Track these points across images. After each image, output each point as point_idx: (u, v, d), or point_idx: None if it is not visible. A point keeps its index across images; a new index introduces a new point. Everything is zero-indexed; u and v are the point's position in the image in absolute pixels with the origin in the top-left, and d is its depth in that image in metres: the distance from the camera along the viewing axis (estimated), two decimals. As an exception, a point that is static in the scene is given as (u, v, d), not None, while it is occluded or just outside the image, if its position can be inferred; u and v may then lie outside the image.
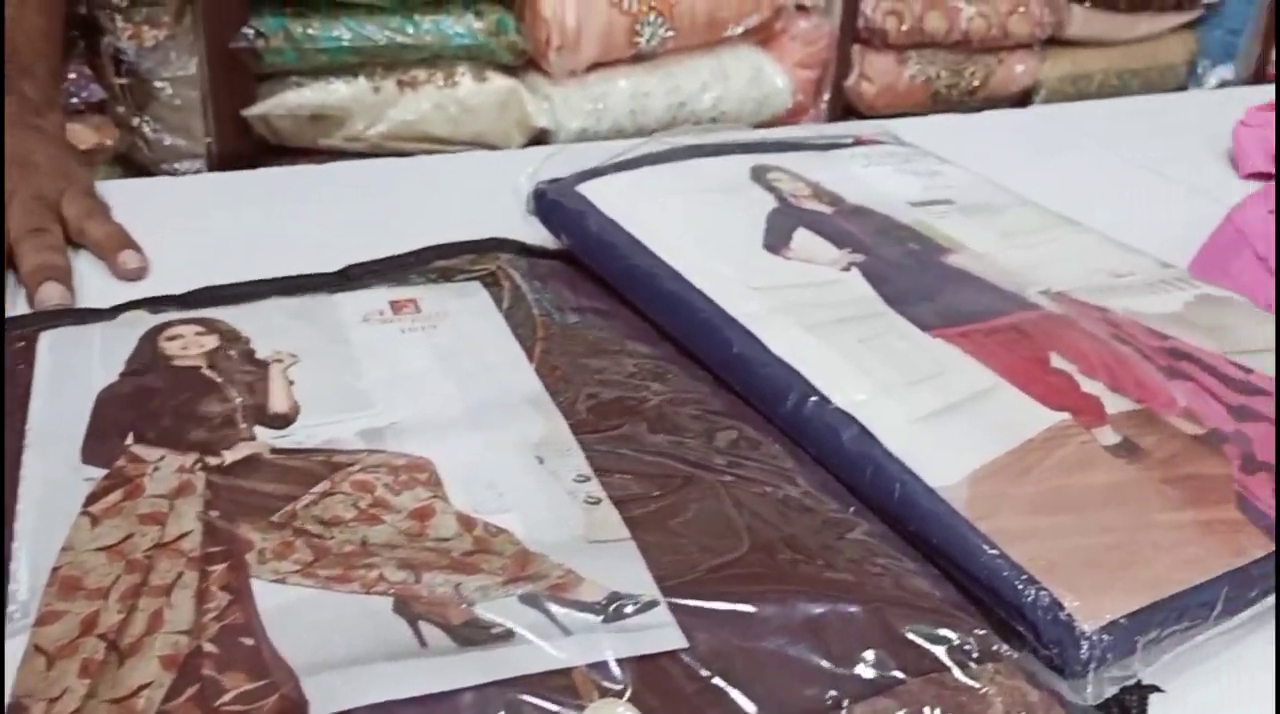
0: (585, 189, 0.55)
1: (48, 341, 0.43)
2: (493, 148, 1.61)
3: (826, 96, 1.88)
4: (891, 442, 0.38)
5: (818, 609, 0.31)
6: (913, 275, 0.50)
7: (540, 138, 1.63)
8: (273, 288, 0.48)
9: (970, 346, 0.44)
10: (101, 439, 0.37)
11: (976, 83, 1.91)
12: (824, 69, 1.86)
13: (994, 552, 0.34)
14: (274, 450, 0.36)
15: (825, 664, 0.29)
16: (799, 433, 0.41)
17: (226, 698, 0.26)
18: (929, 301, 0.47)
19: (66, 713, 0.27)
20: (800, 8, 1.79)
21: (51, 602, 0.30)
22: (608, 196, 0.54)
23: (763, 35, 1.77)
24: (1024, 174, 0.70)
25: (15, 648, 0.29)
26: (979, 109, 1.94)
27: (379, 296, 0.47)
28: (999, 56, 1.91)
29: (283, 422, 0.38)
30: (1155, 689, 0.33)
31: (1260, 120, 0.81)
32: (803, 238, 0.52)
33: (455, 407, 0.39)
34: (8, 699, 0.27)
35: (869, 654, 0.29)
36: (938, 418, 0.40)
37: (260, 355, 0.42)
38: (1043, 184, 0.69)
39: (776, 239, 0.52)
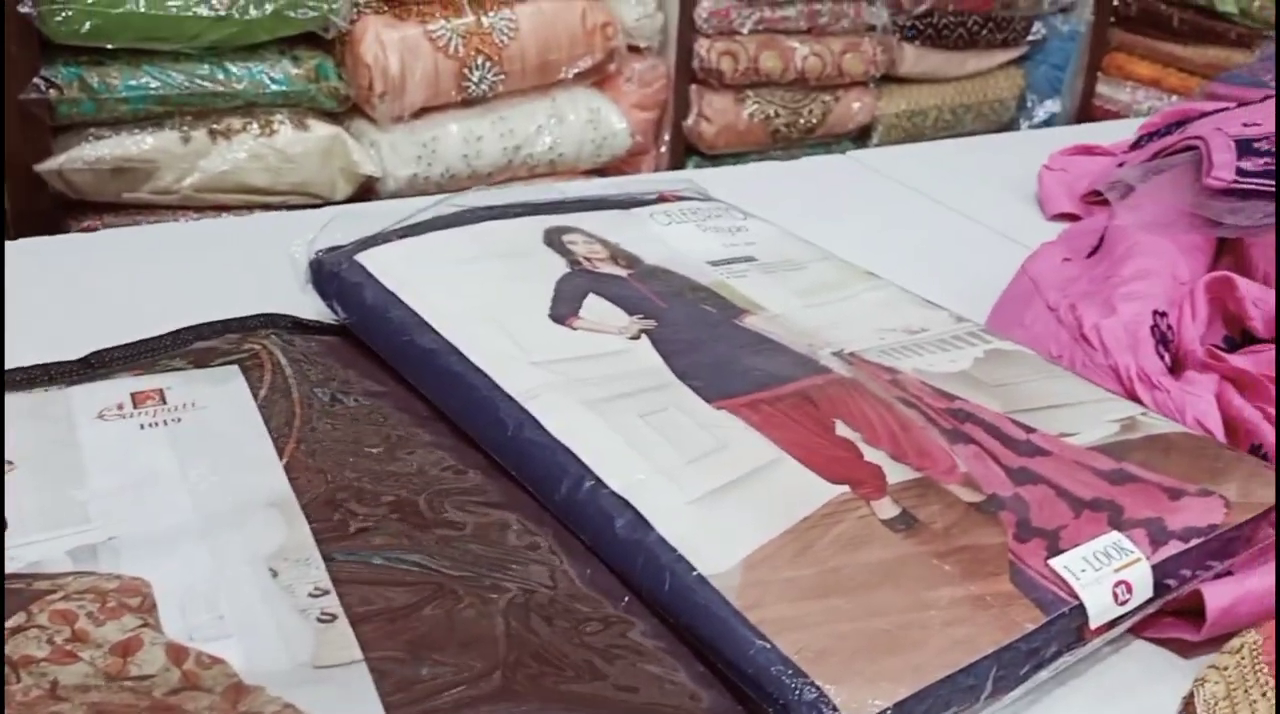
0: (364, 258, 0.53)
1: None
2: (317, 197, 1.57)
3: (667, 137, 1.91)
4: (665, 527, 0.37)
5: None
6: (705, 341, 0.49)
7: (368, 186, 1.60)
8: (4, 382, 0.44)
9: (755, 418, 0.44)
10: None
11: (814, 120, 1.96)
12: (662, 110, 1.89)
13: (763, 644, 0.33)
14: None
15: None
16: (573, 521, 0.39)
17: None
18: (719, 369, 0.47)
19: None
20: (634, 49, 1.81)
21: None
22: (387, 266, 0.52)
23: (598, 78, 1.78)
24: (846, 221, 0.71)
25: None
26: (817, 146, 2.00)
27: (120, 387, 0.44)
28: (835, 94, 1.97)
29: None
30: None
31: (1062, 163, 0.85)
32: (592, 304, 0.51)
33: (186, 515, 0.36)
34: None
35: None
36: (715, 497, 0.39)
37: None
38: (863, 232, 0.70)
39: (564, 308, 0.51)
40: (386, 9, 1.52)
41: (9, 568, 0.34)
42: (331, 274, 0.52)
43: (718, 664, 0.34)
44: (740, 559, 0.36)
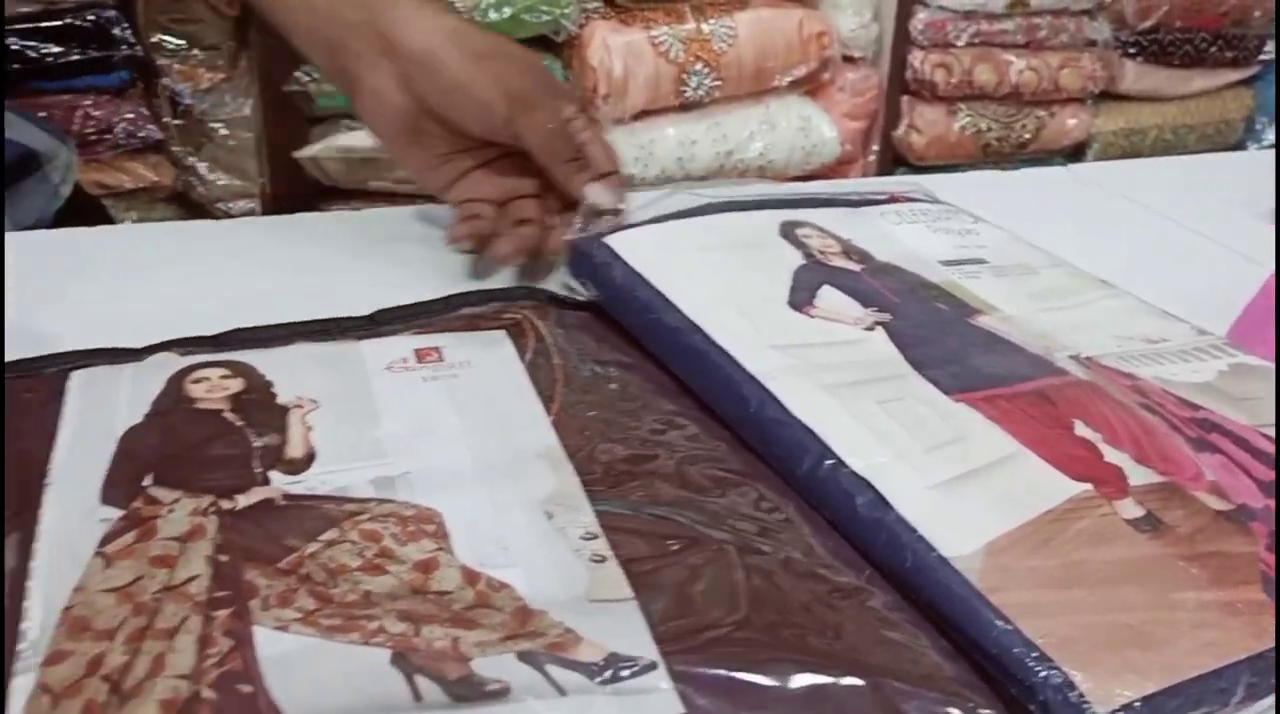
0: (613, 241, 0.55)
1: (79, 381, 0.44)
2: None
3: (875, 147, 1.89)
4: (906, 508, 0.38)
5: (820, 681, 0.30)
6: (939, 337, 0.50)
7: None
8: (301, 332, 0.49)
9: (993, 412, 0.44)
10: (120, 480, 0.38)
11: (1028, 135, 1.90)
12: (872, 120, 1.87)
13: (1006, 626, 0.33)
14: (286, 496, 0.37)
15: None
16: (814, 496, 0.41)
17: (220, 747, 0.27)
18: (954, 364, 0.47)
19: (65, 753, 0.27)
20: (848, 59, 1.81)
21: (60, 642, 0.31)
22: (635, 249, 0.54)
23: (811, 86, 1.78)
24: (1066, 233, 0.69)
25: (25, 684, 0.29)
26: (1030, 161, 1.94)
27: (404, 344, 0.48)
28: (1050, 110, 1.91)
29: (298, 467, 0.39)
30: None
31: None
32: (828, 295, 0.52)
33: (467, 460, 0.40)
34: (10, 737, 0.28)
35: (868, 728, 0.29)
36: (955, 485, 0.39)
37: (281, 400, 0.43)
38: (1084, 244, 0.69)
39: (801, 296, 0.52)
40: (613, 14, 1.57)
41: (321, 489, 0.37)
42: (584, 254, 0.55)
43: (960, 642, 0.35)
44: (982, 545, 0.36)
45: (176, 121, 1.45)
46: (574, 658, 0.30)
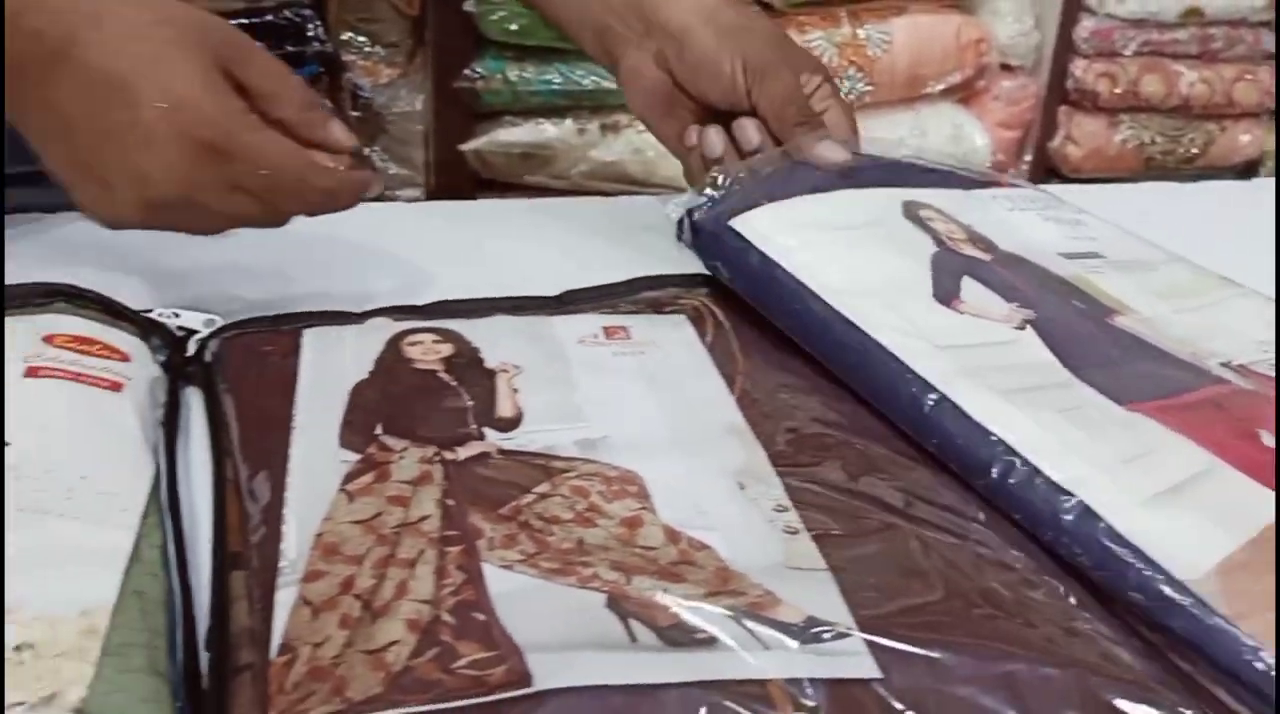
0: (739, 224, 0.54)
1: (310, 338, 0.48)
2: (682, 192, 1.66)
3: (1028, 157, 1.86)
4: (1120, 523, 0.38)
5: (1013, 665, 0.32)
6: (1085, 338, 0.49)
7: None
8: (499, 306, 0.53)
9: (1174, 423, 0.44)
10: (355, 427, 0.42)
11: (1195, 150, 1.84)
12: (1027, 129, 1.84)
13: (1267, 655, 0.33)
14: (500, 451, 0.40)
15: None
16: (1005, 502, 0.40)
17: (461, 663, 0.30)
18: (1111, 371, 0.47)
19: (327, 657, 0.31)
20: (1005, 67, 1.78)
21: (315, 563, 0.35)
22: (764, 233, 0.53)
23: (964, 93, 1.76)
24: (1237, 249, 0.68)
25: (287, 597, 0.33)
26: (1196, 176, 1.87)
27: (593, 322, 0.51)
28: (1221, 124, 1.84)
29: (508, 425, 0.42)
30: None
31: None
32: (972, 289, 0.52)
33: (661, 429, 0.43)
34: (276, 641, 0.32)
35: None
36: (1165, 501, 0.39)
37: (489, 365, 0.46)
38: (1256, 263, 0.67)
39: (946, 288, 0.51)
40: (769, 18, 1.58)
41: (530, 447, 0.41)
42: (712, 236, 0.54)
43: (1201, 665, 0.34)
44: (1213, 565, 0.36)
45: (355, 113, 1.53)
46: (774, 617, 0.32)
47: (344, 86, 1.51)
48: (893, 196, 0.59)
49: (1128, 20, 1.78)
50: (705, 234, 0.55)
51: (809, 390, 0.47)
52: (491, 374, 0.46)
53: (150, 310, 0.51)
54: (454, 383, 0.45)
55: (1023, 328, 0.49)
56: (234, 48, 0.48)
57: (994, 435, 0.41)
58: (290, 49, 1.43)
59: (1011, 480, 0.40)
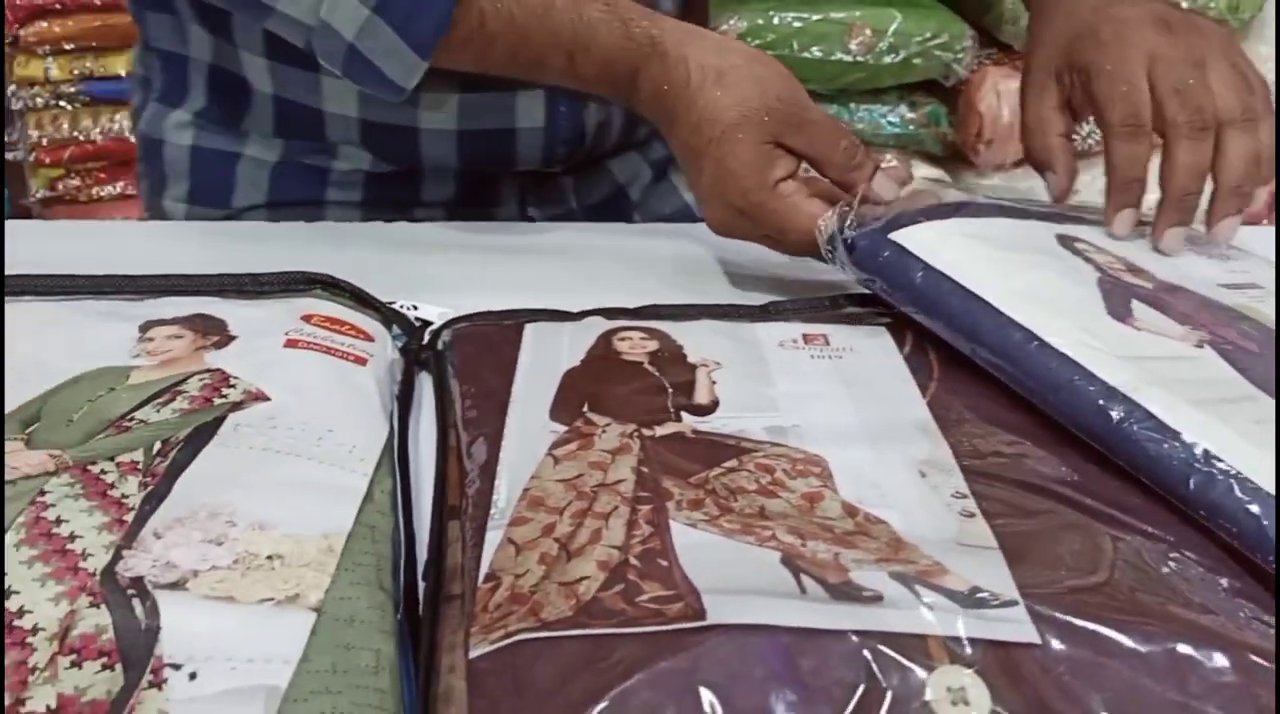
0: (901, 238, 0.53)
1: (531, 331, 0.53)
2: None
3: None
4: None
5: (1177, 645, 0.32)
6: (1264, 358, 0.48)
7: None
8: (704, 311, 0.56)
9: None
10: (565, 405, 0.46)
11: None
12: None
13: None
14: (694, 431, 0.44)
15: (1183, 700, 0.31)
16: (1207, 511, 0.40)
17: (644, 598, 0.33)
18: None
19: (526, 586, 0.35)
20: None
21: (522, 511, 0.39)
22: (928, 246, 0.53)
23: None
24: None
25: (495, 538, 0.38)
26: None
27: (794, 329, 0.54)
28: None
29: (704, 411, 0.45)
30: None
31: None
32: (1143, 311, 0.51)
33: (851, 421, 0.45)
34: (483, 571, 0.36)
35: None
36: None
37: (690, 360, 0.50)
38: None
39: (1120, 309, 0.51)
40: (1006, 61, 1.57)
41: (723, 430, 0.44)
42: (870, 250, 0.53)
43: None
44: None
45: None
46: (941, 584, 0.34)
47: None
48: (1046, 228, 0.59)
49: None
50: (862, 249, 0.54)
51: (999, 404, 0.48)
52: (692, 367, 0.49)
53: (394, 302, 0.57)
54: (656, 374, 0.49)
55: (1200, 347, 0.48)
56: (789, 123, 0.59)
57: (1191, 441, 0.41)
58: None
59: (1214, 491, 0.40)
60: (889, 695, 0.30)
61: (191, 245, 0.71)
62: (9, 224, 0.68)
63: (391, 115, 0.73)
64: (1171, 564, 0.36)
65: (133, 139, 1.51)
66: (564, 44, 0.62)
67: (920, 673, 0.30)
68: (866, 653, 0.31)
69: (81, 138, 1.51)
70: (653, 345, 0.51)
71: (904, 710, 0.30)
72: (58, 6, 1.45)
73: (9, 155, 1.50)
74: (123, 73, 1.52)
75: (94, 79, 1.50)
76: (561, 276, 0.66)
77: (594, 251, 0.70)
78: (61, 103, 1.49)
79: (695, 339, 0.52)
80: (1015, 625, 0.32)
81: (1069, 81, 0.65)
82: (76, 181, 1.54)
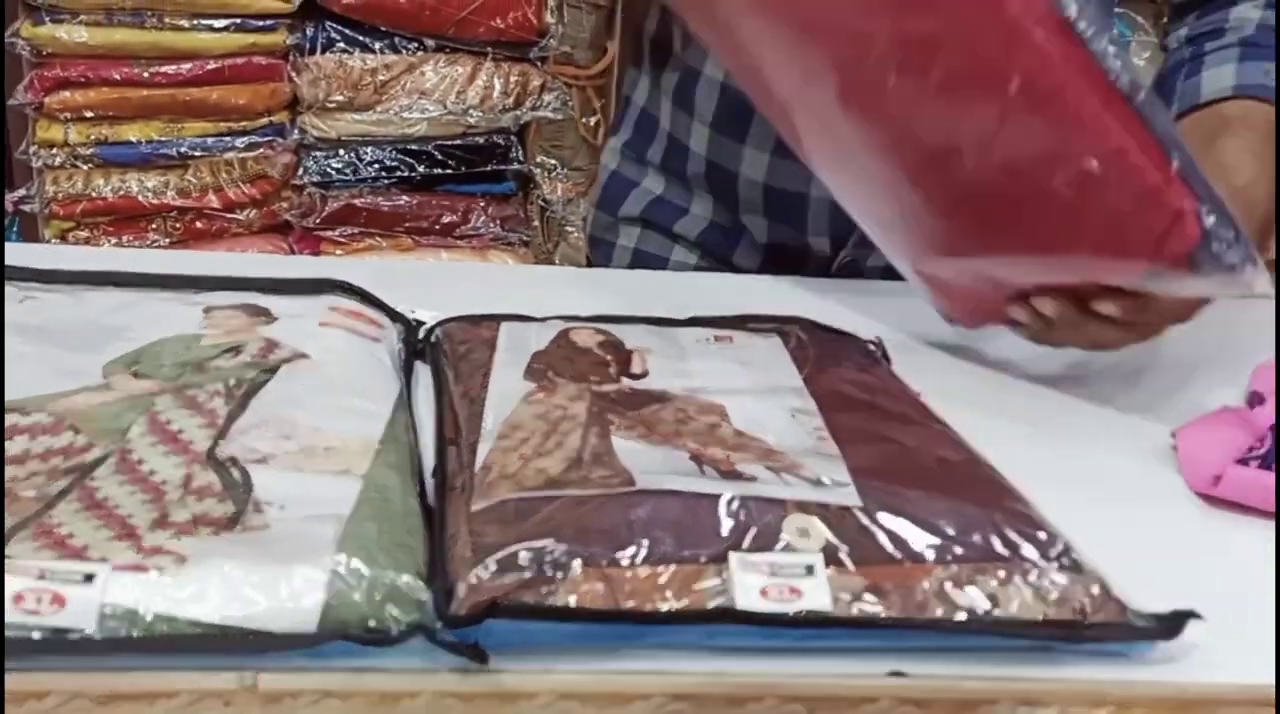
0: None
1: (505, 327, 0.66)
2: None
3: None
4: None
5: (946, 503, 0.45)
6: None
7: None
8: (640, 321, 0.70)
9: None
10: (534, 371, 0.59)
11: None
12: None
13: None
14: (630, 388, 0.56)
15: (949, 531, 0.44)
16: None
17: (593, 476, 0.46)
18: None
19: (510, 470, 0.47)
20: None
21: (503, 430, 0.51)
22: None
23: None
24: None
25: (485, 447, 0.50)
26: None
27: (707, 332, 0.67)
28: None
29: (637, 377, 0.58)
30: None
31: None
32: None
33: (744, 384, 0.58)
34: (479, 464, 0.48)
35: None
36: None
37: (628, 346, 0.63)
38: None
39: None
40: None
41: (650, 387, 0.56)
42: None
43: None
44: None
45: (537, 223, 1.77)
46: (798, 474, 0.47)
47: (534, 200, 1.76)
48: None
49: None
50: None
51: (856, 385, 0.62)
52: (629, 352, 0.62)
53: (395, 308, 0.70)
54: (604, 355, 0.62)
55: None
56: None
57: None
58: (493, 168, 1.70)
59: None
60: (753, 530, 0.42)
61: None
62: (77, 248, 0.79)
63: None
64: (958, 462, 0.50)
65: (140, 198, 1.63)
66: None
67: (778, 516, 0.43)
68: (742, 506, 0.43)
69: (93, 194, 1.62)
70: (600, 337, 0.64)
71: (768, 541, 0.42)
72: (81, 80, 1.57)
73: (25, 207, 1.60)
74: (134, 138, 1.63)
75: (107, 144, 1.61)
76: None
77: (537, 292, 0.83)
78: (77, 163, 1.59)
79: (632, 335, 0.65)
80: (845, 494, 0.45)
81: None
82: (85, 233, 1.64)
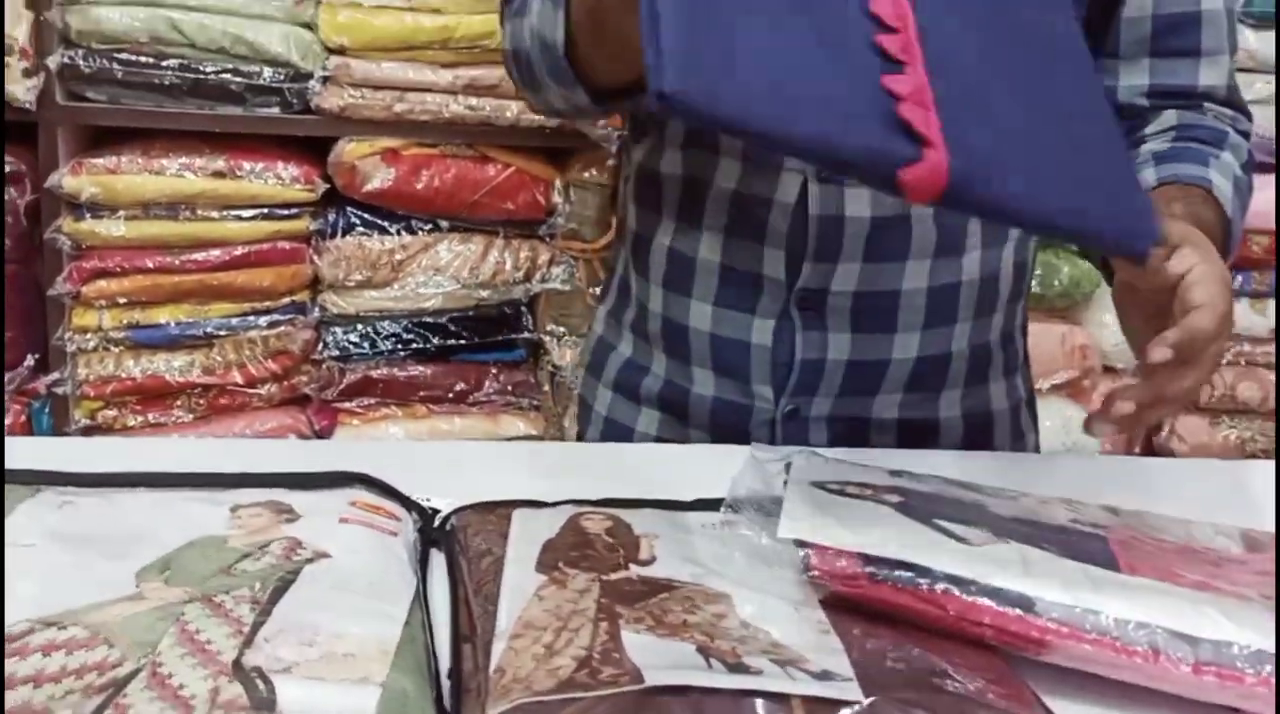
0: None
1: (518, 514, 0.68)
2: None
3: (1136, 449, 1.95)
4: None
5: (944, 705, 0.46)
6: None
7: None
8: (648, 504, 0.71)
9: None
10: (545, 563, 0.60)
11: (1295, 447, 1.89)
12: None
13: None
14: (639, 576, 0.58)
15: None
16: None
17: (603, 675, 0.47)
18: None
19: (523, 673, 0.48)
20: (1109, 369, 1.92)
21: (517, 629, 0.52)
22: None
23: (1072, 390, 1.90)
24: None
25: (500, 646, 0.51)
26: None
27: (714, 516, 0.69)
28: (1318, 425, 1.90)
29: (645, 564, 0.59)
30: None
31: None
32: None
33: (748, 572, 0.59)
34: (493, 666, 0.49)
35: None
36: None
37: (636, 532, 0.64)
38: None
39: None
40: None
41: (658, 575, 0.58)
42: None
43: None
44: None
45: (548, 389, 1.81)
46: (803, 667, 0.48)
47: (544, 366, 1.80)
48: None
49: (1220, 333, 1.90)
50: None
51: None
52: (638, 537, 0.64)
53: (412, 496, 0.72)
54: (611, 540, 0.63)
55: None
56: None
57: None
58: (505, 336, 1.75)
59: None
60: (763, 729, 0.43)
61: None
62: (105, 440, 0.82)
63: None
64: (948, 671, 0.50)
65: (167, 377, 1.68)
66: None
67: (785, 711, 0.44)
68: (750, 701, 0.44)
69: (123, 376, 1.66)
70: (609, 523, 0.66)
71: (773, 740, 0.43)
72: (118, 270, 1.64)
73: (59, 390, 1.64)
74: (163, 321, 1.69)
75: (139, 327, 1.67)
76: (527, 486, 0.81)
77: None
78: (109, 346, 1.65)
79: (640, 519, 0.67)
80: (848, 690, 0.46)
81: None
82: (114, 412, 1.67)
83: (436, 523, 0.69)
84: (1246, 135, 0.90)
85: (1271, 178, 1.82)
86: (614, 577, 0.58)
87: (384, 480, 0.71)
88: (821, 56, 0.51)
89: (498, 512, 0.69)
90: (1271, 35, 1.79)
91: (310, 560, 0.58)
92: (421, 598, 0.58)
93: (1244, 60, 1.81)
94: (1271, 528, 0.71)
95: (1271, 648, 0.51)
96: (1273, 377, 1.91)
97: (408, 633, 0.53)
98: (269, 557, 0.58)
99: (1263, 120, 1.79)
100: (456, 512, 0.70)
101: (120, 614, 0.50)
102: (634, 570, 0.59)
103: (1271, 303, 1.90)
